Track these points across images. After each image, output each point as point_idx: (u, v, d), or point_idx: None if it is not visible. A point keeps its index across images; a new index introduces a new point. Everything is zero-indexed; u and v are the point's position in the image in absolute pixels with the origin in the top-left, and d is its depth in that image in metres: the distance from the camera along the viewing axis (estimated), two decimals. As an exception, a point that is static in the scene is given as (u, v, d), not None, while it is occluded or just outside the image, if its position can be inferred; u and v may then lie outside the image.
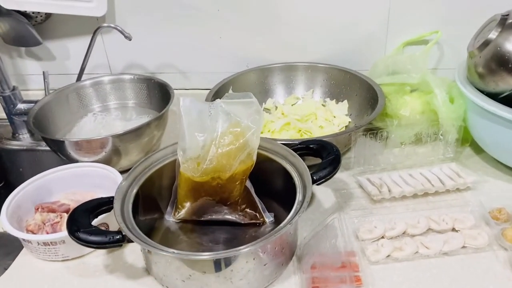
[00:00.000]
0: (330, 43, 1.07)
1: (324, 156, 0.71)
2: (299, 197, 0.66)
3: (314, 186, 0.67)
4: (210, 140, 0.70)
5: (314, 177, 0.67)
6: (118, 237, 0.62)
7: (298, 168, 0.70)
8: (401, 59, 0.97)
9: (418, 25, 1.02)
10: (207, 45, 1.11)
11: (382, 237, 0.73)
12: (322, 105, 1.04)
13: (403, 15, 1.02)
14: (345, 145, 0.87)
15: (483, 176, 0.86)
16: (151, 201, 0.75)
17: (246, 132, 0.69)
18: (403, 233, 0.73)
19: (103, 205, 0.68)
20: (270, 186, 0.76)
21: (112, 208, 0.66)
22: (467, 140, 0.91)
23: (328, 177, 0.68)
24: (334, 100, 1.04)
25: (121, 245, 0.62)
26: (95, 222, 0.70)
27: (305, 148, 0.74)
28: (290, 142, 0.75)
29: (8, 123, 1.12)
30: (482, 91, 0.81)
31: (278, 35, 1.08)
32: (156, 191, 0.76)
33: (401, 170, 0.87)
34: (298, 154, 0.72)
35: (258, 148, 0.71)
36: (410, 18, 1.02)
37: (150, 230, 0.74)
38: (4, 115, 1.11)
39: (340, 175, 0.88)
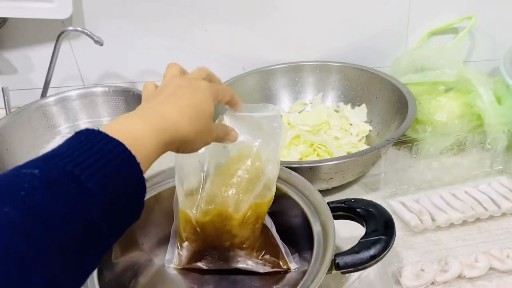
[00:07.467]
0: (340, 37, 0.91)
1: (368, 229, 0.50)
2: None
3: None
4: (214, 168, 0.55)
5: (338, 262, 0.47)
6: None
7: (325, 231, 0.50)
8: (430, 52, 0.80)
9: (446, 10, 0.86)
10: (194, 46, 0.94)
11: (432, 283, 0.57)
12: (335, 111, 0.88)
13: (427, -1, 0.86)
14: (372, 163, 0.70)
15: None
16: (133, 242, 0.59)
17: (260, 157, 0.53)
18: (458, 276, 0.57)
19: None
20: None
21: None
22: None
23: (361, 267, 0.47)
24: (349, 104, 0.87)
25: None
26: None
27: (346, 209, 0.54)
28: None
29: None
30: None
31: (279, 30, 0.91)
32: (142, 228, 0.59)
33: (440, 189, 0.71)
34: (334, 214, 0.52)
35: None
36: (435, 2, 0.85)
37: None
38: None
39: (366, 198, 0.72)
